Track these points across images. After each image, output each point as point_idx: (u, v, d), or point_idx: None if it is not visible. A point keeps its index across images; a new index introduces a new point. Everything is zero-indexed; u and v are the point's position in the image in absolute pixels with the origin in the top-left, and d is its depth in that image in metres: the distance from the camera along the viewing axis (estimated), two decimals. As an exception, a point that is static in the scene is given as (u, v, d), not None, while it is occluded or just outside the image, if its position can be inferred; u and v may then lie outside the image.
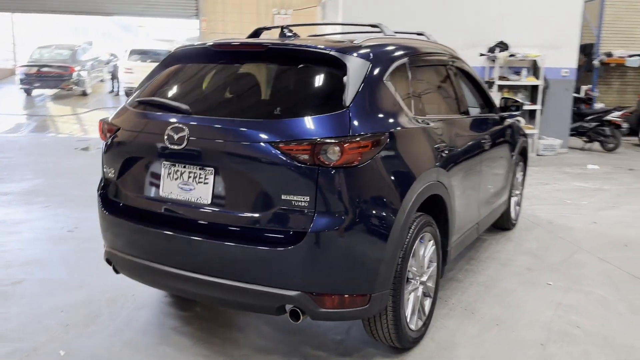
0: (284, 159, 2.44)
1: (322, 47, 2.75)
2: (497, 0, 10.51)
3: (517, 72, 10.58)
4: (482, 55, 10.60)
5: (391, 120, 2.75)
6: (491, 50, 10.48)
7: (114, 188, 3.02)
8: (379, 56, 2.88)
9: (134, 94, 3.14)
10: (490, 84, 10.41)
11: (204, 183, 2.65)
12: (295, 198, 2.45)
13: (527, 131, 10.05)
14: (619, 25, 14.60)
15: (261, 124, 2.54)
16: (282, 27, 3.35)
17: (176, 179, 2.74)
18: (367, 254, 2.54)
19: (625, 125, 11.01)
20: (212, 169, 2.62)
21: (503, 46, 10.45)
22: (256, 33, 3.75)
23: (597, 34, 13.62)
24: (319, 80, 2.75)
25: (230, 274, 2.58)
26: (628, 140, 11.68)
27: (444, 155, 3.17)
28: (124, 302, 3.59)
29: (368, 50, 2.84)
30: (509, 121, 4.78)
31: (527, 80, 10.40)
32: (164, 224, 2.77)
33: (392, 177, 2.63)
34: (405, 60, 3.11)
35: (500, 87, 10.40)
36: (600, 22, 13.64)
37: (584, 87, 12.91)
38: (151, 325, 3.29)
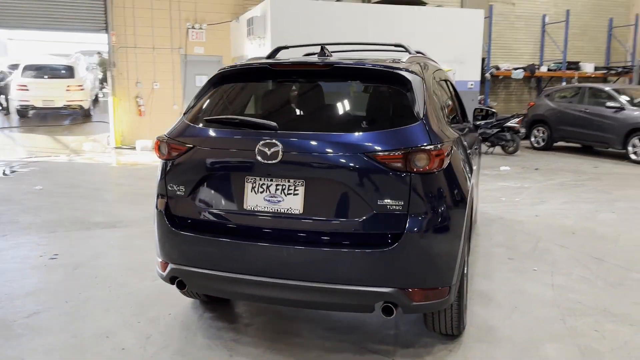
0: (380, 167, 2.68)
1: (387, 65, 3.03)
2: (411, 19, 11.39)
3: (432, 85, 11.48)
4: (401, 69, 11.34)
5: (447, 130, 3.10)
6: (408, 64, 11.27)
7: (183, 205, 3.04)
8: (425, 73, 3.21)
9: (190, 112, 3.18)
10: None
11: (294, 194, 2.80)
12: (390, 202, 2.70)
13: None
14: (503, 41, 16.40)
15: (354, 137, 2.76)
16: (322, 46, 3.56)
17: (262, 192, 2.86)
18: (448, 249, 2.85)
19: (523, 130, 12.43)
20: (302, 180, 2.79)
21: (418, 61, 11.29)
22: (276, 51, 3.92)
23: (487, 49, 15.18)
24: (390, 95, 3.02)
25: (328, 277, 2.75)
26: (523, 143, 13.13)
27: (467, 159, 3.58)
28: (166, 320, 3.56)
29: (418, 67, 3.17)
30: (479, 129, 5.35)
31: (442, 92, 11.35)
32: (249, 235, 2.87)
33: (459, 180, 2.98)
34: (435, 75, 3.49)
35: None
36: (489, 39, 15.22)
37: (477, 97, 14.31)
38: (210, 340, 3.32)
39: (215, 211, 2.98)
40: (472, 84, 12.08)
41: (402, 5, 11.68)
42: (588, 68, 16.65)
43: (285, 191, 2.82)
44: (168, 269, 3.11)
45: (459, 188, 2.96)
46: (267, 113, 3.17)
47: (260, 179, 2.86)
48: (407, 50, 3.70)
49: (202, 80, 14.24)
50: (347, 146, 2.73)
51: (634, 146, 10.86)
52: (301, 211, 2.80)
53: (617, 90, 11.83)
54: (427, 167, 2.71)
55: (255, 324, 3.54)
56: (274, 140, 2.77)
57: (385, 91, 3.02)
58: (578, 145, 12.75)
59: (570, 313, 3.73)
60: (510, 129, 12.14)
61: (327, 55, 3.50)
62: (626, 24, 17.93)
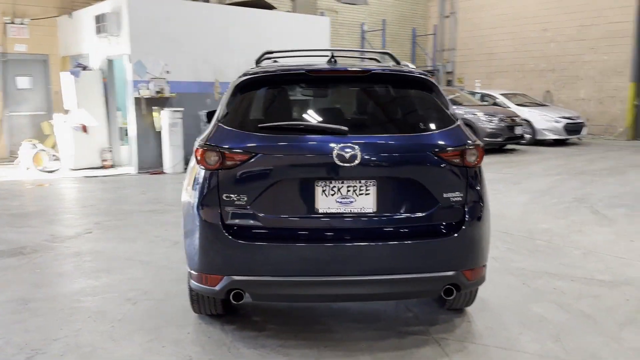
0: (444, 163, 3.01)
1: (415, 71, 3.34)
2: (268, 22, 11.69)
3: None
4: (261, 71, 11.57)
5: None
6: (267, 67, 11.56)
7: (244, 214, 2.96)
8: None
9: (227, 119, 3.10)
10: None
11: (366, 194, 2.97)
12: (452, 195, 3.04)
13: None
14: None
15: (421, 137, 3.03)
16: (332, 52, 3.68)
17: (332, 195, 2.95)
18: (487, 231, 3.28)
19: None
20: (373, 180, 2.96)
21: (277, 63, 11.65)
22: (262, 55, 3.96)
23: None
24: (423, 99, 3.31)
25: (401, 268, 2.98)
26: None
27: None
28: (192, 339, 3.39)
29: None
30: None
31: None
32: (321, 237, 2.95)
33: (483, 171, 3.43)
34: None
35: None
36: (322, 43, 16.25)
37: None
38: (256, 349, 3.25)
39: (283, 217, 2.98)
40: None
41: (253, 7, 11.91)
42: (401, 71, 18.82)
43: (357, 192, 2.96)
44: (224, 282, 3.00)
45: (484, 178, 3.42)
46: (320, 118, 3.24)
47: (331, 182, 2.95)
48: (394, 59, 4.04)
49: (24, 83, 12.59)
50: (416, 146, 2.99)
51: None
52: (374, 209, 2.97)
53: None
54: (476, 162, 3.11)
55: (285, 328, 3.55)
56: (351, 144, 2.89)
57: (418, 95, 3.33)
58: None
59: (525, 278, 4.48)
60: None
61: (335, 62, 3.66)
62: (425, 34, 20.69)
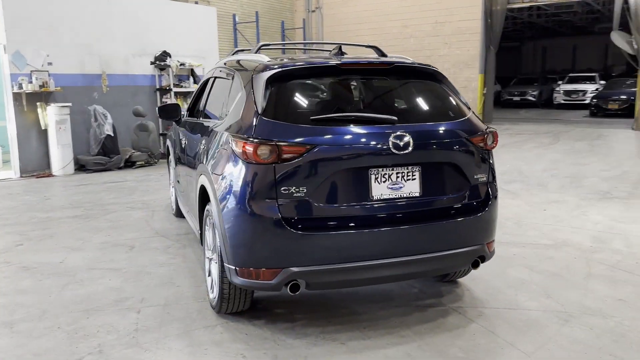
0: (474, 147, 3.33)
1: (429, 65, 3.60)
2: (150, 10, 11.13)
3: (181, 80, 11.56)
4: (153, 63, 11.06)
5: None
6: (159, 59, 11.08)
7: (303, 206, 2.99)
8: None
9: (268, 112, 3.08)
10: (167, 91, 11.07)
11: (412, 179, 3.17)
12: (481, 176, 3.38)
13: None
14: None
15: (457, 124, 3.31)
16: (339, 45, 3.76)
17: (384, 182, 3.11)
18: (497, 208, 3.67)
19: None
20: (418, 166, 3.18)
21: (166, 55, 11.22)
22: (260, 48, 3.96)
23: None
24: (439, 90, 3.57)
25: (444, 246, 3.25)
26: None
27: None
28: (229, 336, 3.30)
29: None
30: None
31: (194, 87, 11.53)
32: (376, 223, 3.10)
33: None
34: None
35: (176, 94, 11.18)
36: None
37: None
38: (303, 339, 3.30)
39: (340, 206, 3.06)
40: (213, 79, 12.56)
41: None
42: (275, 64, 19.03)
43: (405, 177, 3.16)
44: (282, 274, 3.01)
45: None
46: (359, 107, 3.38)
47: (383, 170, 3.11)
48: (382, 53, 4.24)
49: None
50: (453, 132, 3.27)
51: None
52: (420, 193, 3.20)
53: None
54: (493, 145, 3.48)
55: (314, 316, 3.61)
56: (404, 132, 3.07)
57: (434, 86, 3.58)
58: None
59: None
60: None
61: (343, 55, 3.78)
62: (293, 27, 21.13)
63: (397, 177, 3.16)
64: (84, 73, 10.07)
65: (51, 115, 9.28)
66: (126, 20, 10.64)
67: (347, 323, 3.52)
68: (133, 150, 10.26)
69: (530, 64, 35.88)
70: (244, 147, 3.03)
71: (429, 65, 3.62)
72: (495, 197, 3.51)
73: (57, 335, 3.37)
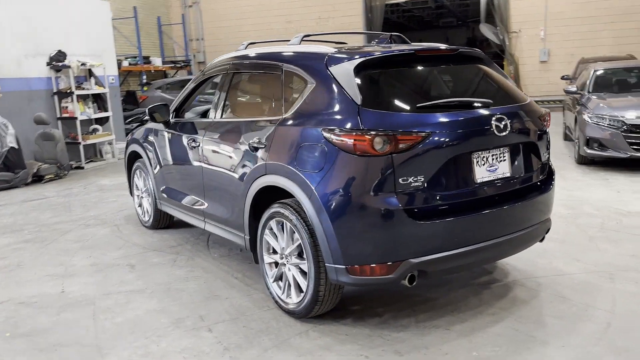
0: (543, 127, 3.55)
1: (479, 51, 3.74)
2: (47, 7, 9.95)
3: (79, 82, 10.49)
4: (49, 64, 9.92)
5: None
6: (55, 59, 9.97)
7: (421, 194, 2.98)
8: None
9: (367, 101, 3.01)
10: (67, 94, 10.01)
11: (503, 160, 3.29)
12: (546, 153, 3.61)
13: (107, 138, 10.65)
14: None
15: (529, 105, 3.49)
16: (391, 35, 3.70)
17: (483, 165, 3.19)
18: None
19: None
20: (508, 147, 3.30)
21: (63, 55, 10.12)
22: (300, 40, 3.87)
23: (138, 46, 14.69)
24: (493, 73, 3.71)
25: (532, 221, 3.43)
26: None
27: None
28: (288, 332, 3.16)
29: None
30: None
31: (97, 88, 10.50)
32: (481, 206, 3.18)
33: None
34: None
35: (78, 98, 10.11)
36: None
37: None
38: (363, 330, 3.26)
39: (452, 192, 3.08)
40: (113, 79, 11.55)
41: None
42: (157, 62, 18.02)
43: (498, 159, 3.27)
44: (403, 267, 2.97)
45: None
46: (447, 93, 3.46)
47: (482, 153, 3.18)
48: (405, 41, 4.28)
49: None
50: (532, 113, 3.45)
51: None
52: (510, 173, 3.32)
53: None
54: (547, 126, 3.73)
55: (396, 308, 3.57)
56: (502, 115, 3.17)
57: (490, 71, 3.71)
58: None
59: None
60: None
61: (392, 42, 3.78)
62: (170, 23, 20.16)
63: (493, 159, 3.25)
64: (-30, 76, 8.68)
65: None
66: (15, 18, 9.35)
67: (432, 310, 3.55)
68: (40, 163, 9.07)
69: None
70: (354, 139, 2.90)
71: (480, 51, 3.77)
72: (554, 173, 3.78)
73: (142, 371, 2.95)
